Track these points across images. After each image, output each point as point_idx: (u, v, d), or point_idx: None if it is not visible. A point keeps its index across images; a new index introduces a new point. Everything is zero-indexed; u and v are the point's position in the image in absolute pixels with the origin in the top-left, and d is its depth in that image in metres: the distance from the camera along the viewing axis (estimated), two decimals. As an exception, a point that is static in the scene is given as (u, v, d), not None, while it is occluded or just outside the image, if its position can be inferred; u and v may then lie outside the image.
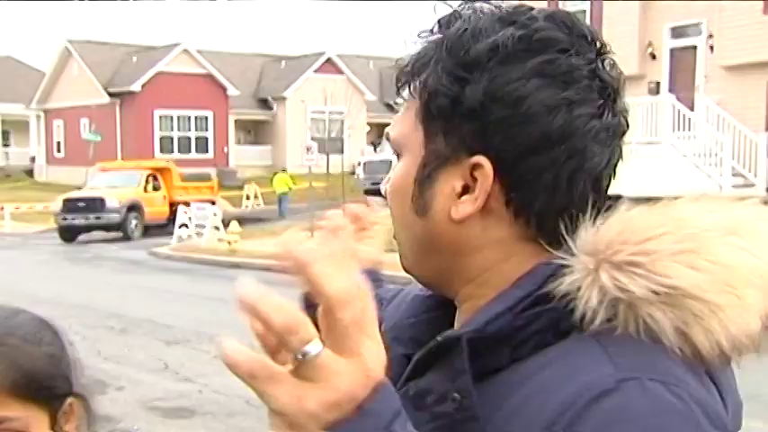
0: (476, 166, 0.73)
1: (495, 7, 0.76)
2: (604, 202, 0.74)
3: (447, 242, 0.76)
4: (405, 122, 0.78)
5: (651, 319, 0.66)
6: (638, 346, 0.66)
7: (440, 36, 0.76)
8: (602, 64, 0.75)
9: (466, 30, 0.74)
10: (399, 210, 0.79)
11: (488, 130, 0.72)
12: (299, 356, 0.55)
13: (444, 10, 0.79)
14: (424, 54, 0.76)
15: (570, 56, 0.72)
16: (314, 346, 0.54)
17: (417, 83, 0.76)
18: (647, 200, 0.75)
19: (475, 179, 0.73)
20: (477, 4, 0.77)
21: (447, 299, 0.85)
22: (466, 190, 0.74)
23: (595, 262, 0.69)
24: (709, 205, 0.73)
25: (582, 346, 0.67)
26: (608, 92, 0.74)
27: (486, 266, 0.76)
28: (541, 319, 0.70)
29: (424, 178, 0.76)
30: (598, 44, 0.76)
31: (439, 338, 0.71)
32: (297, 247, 0.59)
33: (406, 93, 0.78)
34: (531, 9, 0.76)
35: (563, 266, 0.70)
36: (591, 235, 0.71)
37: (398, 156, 0.80)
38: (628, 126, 0.77)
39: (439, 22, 0.78)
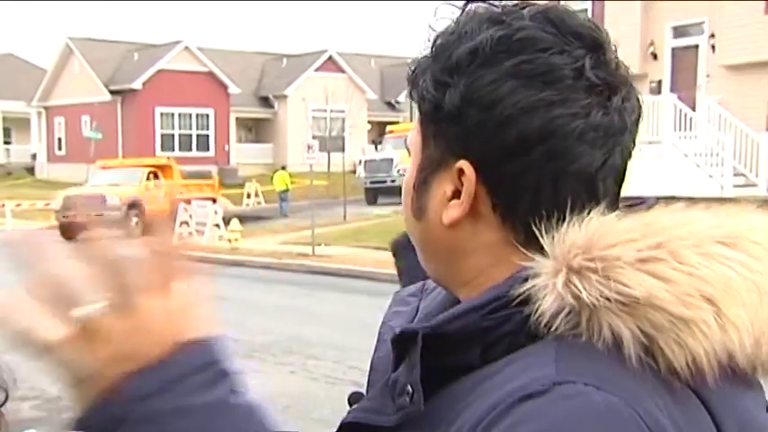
0: (460, 171, 0.73)
1: (494, 7, 0.75)
2: (600, 205, 0.71)
3: (441, 246, 0.78)
4: (414, 127, 0.80)
5: (611, 328, 0.64)
6: (593, 353, 0.64)
7: (436, 39, 0.78)
8: (595, 61, 0.72)
9: (452, 33, 0.74)
10: (405, 212, 0.81)
11: (468, 135, 0.72)
12: (78, 318, 0.60)
13: (446, 11, 0.78)
14: (423, 59, 0.78)
15: (552, 54, 0.70)
16: (86, 308, 0.60)
17: (416, 89, 0.78)
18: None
19: (462, 183, 0.73)
20: (475, 5, 0.76)
21: None
22: (456, 194, 0.74)
23: (556, 266, 0.67)
24: (697, 214, 0.70)
25: (539, 348, 0.66)
26: (599, 90, 0.71)
27: (478, 270, 0.76)
28: (512, 322, 0.68)
29: (421, 183, 0.77)
30: (591, 41, 0.73)
31: (397, 331, 0.73)
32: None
33: (414, 97, 0.80)
34: (525, 8, 0.74)
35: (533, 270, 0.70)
36: (564, 239, 0.68)
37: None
38: (629, 124, 0.74)
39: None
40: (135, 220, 21.40)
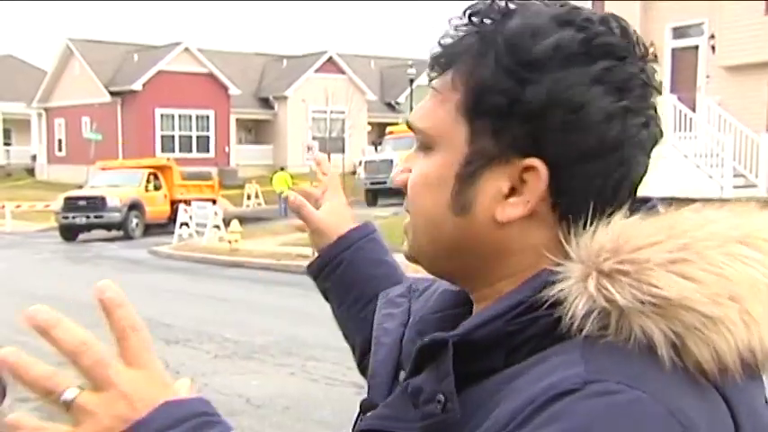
0: (528, 169, 0.72)
1: (544, 4, 0.75)
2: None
3: (483, 243, 0.74)
4: (439, 115, 0.75)
5: (642, 329, 0.65)
6: (620, 352, 0.65)
7: (488, 28, 0.74)
8: (650, 71, 0.76)
9: (525, 26, 0.72)
10: (429, 204, 0.76)
11: (546, 134, 0.71)
12: (63, 403, 0.65)
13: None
14: (465, 44, 0.74)
15: (627, 63, 0.73)
16: (70, 393, 0.65)
17: (458, 75, 0.74)
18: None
19: (523, 181, 0.72)
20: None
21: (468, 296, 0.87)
22: (512, 192, 0.73)
23: (585, 269, 0.68)
24: (714, 215, 0.72)
25: (566, 349, 0.67)
26: (655, 100, 0.75)
27: (517, 270, 0.74)
28: (537, 325, 0.69)
29: (468, 176, 0.73)
30: (644, 51, 0.76)
31: (426, 339, 0.72)
32: (106, 290, 0.74)
33: (438, 82, 0.76)
34: (582, 9, 0.75)
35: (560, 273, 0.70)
36: (587, 242, 0.70)
37: (426, 147, 0.76)
38: (662, 134, 0.77)
39: (478, 12, 0.75)
40: (135, 221, 21.43)
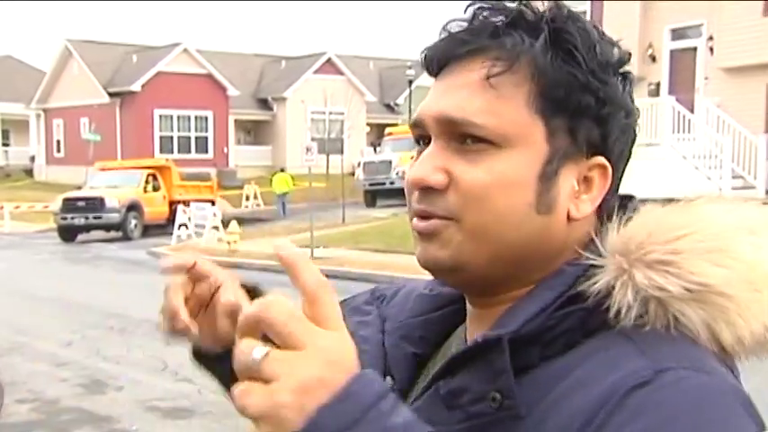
0: (596, 167, 0.75)
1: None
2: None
3: (554, 241, 0.75)
4: (506, 111, 0.73)
5: (682, 315, 0.68)
6: (669, 339, 0.68)
7: (559, 28, 0.75)
8: None
9: (593, 30, 0.77)
10: (506, 205, 0.73)
11: (611, 134, 0.76)
12: (253, 364, 0.59)
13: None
14: (529, 42, 0.74)
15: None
16: (259, 351, 0.59)
17: (527, 72, 0.74)
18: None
19: (587, 178, 0.75)
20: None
21: (453, 297, 0.86)
22: (581, 189, 0.76)
23: (628, 262, 0.70)
24: (727, 206, 0.75)
25: (614, 342, 0.69)
26: None
27: (556, 266, 0.76)
28: (571, 319, 0.71)
29: (551, 175, 0.74)
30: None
31: (479, 339, 0.71)
32: (286, 249, 0.64)
33: (502, 79, 0.73)
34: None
35: (593, 266, 0.72)
36: (619, 236, 0.73)
37: (489, 145, 0.73)
38: None
39: (540, 13, 0.76)
40: (134, 222, 21.43)
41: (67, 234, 20.91)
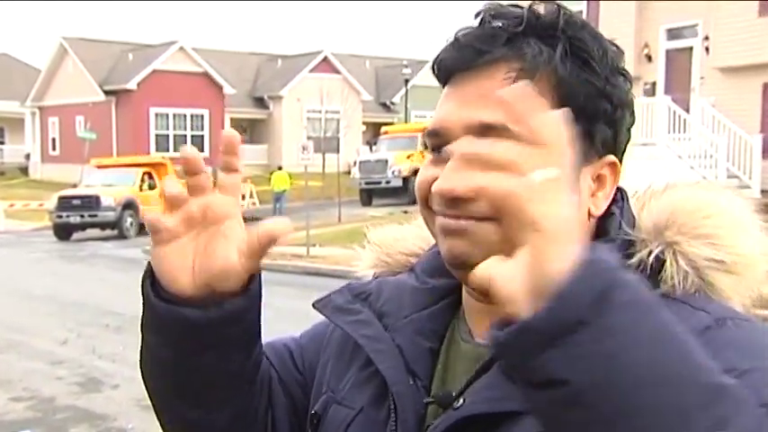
0: (607, 165, 0.80)
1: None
2: None
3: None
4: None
5: (716, 281, 0.77)
6: (710, 300, 0.77)
7: (573, 36, 0.77)
8: None
9: (601, 36, 0.80)
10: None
11: (620, 133, 0.80)
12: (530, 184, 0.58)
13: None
14: (547, 52, 0.76)
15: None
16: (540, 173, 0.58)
17: (548, 81, 0.75)
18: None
19: (600, 176, 0.79)
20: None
21: (449, 288, 0.87)
22: (596, 187, 0.80)
23: (670, 235, 0.78)
24: (714, 190, 0.83)
25: (669, 304, 0.72)
26: None
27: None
28: None
29: (573, 180, 0.77)
30: None
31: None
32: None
33: (522, 86, 0.72)
34: None
35: (628, 242, 0.79)
36: (648, 216, 0.80)
37: None
38: None
39: (553, 22, 0.77)
40: (130, 220, 21.40)
41: (63, 232, 20.87)
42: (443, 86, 0.80)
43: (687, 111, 15.91)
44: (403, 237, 0.95)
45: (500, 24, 0.77)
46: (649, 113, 15.60)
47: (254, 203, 28.13)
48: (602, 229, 0.81)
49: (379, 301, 0.89)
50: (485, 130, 0.74)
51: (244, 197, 28.34)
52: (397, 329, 0.86)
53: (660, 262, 0.77)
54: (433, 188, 0.76)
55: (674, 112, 15.59)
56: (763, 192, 15.01)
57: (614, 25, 18.20)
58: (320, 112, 29.35)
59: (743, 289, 0.78)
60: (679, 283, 0.76)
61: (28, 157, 38.56)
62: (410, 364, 0.83)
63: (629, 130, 0.82)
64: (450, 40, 0.79)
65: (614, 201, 0.82)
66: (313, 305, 0.93)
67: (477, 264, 0.73)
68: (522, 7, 0.79)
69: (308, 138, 24.47)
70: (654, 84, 17.86)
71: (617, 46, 0.81)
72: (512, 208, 0.70)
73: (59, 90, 35.71)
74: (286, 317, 10.37)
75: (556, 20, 0.77)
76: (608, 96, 0.77)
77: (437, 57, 0.80)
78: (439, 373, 0.84)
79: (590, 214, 0.79)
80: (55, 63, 36.19)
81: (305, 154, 16.05)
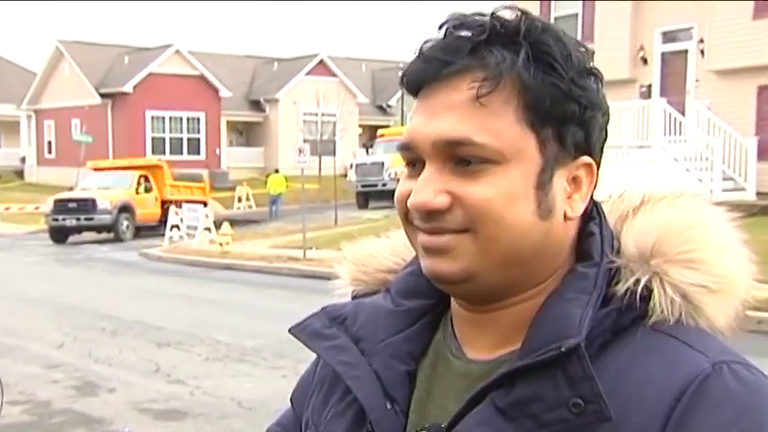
0: (582, 166, 0.79)
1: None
2: None
3: (557, 242, 0.79)
4: (499, 127, 0.75)
5: (706, 306, 0.77)
6: (704, 334, 0.77)
7: (536, 41, 0.76)
8: None
9: (565, 38, 0.79)
10: (516, 217, 0.76)
11: (593, 134, 0.79)
12: None
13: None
14: (510, 58, 0.76)
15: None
16: None
17: (513, 87, 0.75)
18: None
19: (575, 178, 0.79)
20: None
21: (424, 309, 0.86)
22: (572, 189, 0.80)
23: (656, 264, 0.77)
24: (702, 203, 0.83)
25: (661, 340, 0.75)
26: None
27: (556, 267, 0.80)
28: (608, 319, 0.76)
29: (546, 182, 0.77)
30: None
31: (563, 348, 0.73)
32: None
33: (490, 97, 0.75)
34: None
35: (611, 268, 0.78)
36: (632, 238, 0.79)
37: (488, 162, 0.75)
38: None
39: (515, 28, 0.77)
40: (126, 223, 21.37)
41: (59, 235, 20.83)
42: (415, 99, 0.80)
43: (683, 113, 15.93)
44: (378, 253, 0.93)
45: (464, 34, 0.77)
46: (645, 116, 15.63)
47: (250, 206, 28.10)
48: (583, 250, 0.80)
49: (355, 325, 0.88)
50: (452, 144, 0.75)
51: (240, 200, 28.32)
52: (374, 354, 0.84)
53: (647, 290, 0.76)
54: (409, 203, 0.78)
55: (670, 115, 15.62)
56: (758, 194, 15.05)
57: (610, 28, 18.25)
58: (316, 114, 29.35)
59: (727, 308, 0.78)
60: (667, 309, 0.76)
61: (24, 160, 38.49)
62: (387, 389, 0.82)
63: (603, 129, 0.80)
64: (415, 52, 0.79)
65: (591, 218, 0.81)
66: (289, 330, 0.92)
67: (460, 277, 0.77)
68: (485, 14, 0.78)
69: (305, 141, 24.49)
70: (649, 86, 17.89)
71: (585, 47, 0.80)
72: (487, 217, 0.74)
73: (55, 93, 35.66)
74: (281, 319, 10.36)
75: (518, 25, 0.77)
76: (575, 98, 0.76)
77: (404, 70, 0.80)
78: (420, 395, 0.83)
79: (566, 217, 0.78)
80: (51, 66, 36.14)
81: (301, 157, 16.04)
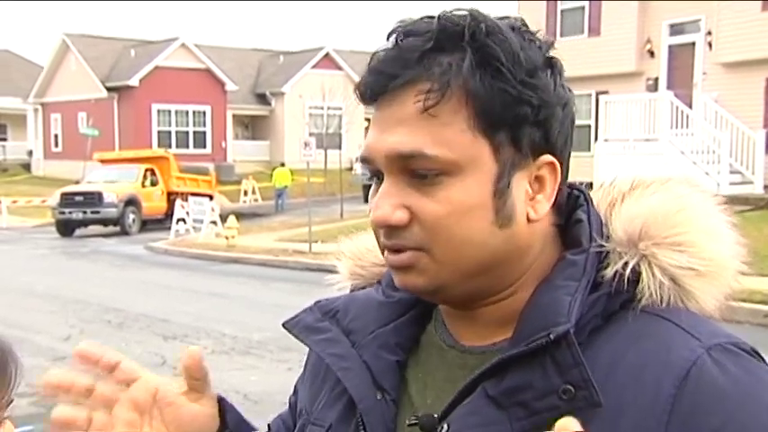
0: (544, 165, 0.78)
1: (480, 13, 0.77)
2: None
3: (521, 245, 0.78)
4: (450, 137, 0.74)
5: (694, 288, 0.77)
6: (695, 315, 0.77)
7: (480, 45, 0.74)
8: None
9: (511, 39, 0.75)
10: (471, 228, 0.75)
11: (552, 131, 0.77)
12: None
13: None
14: (456, 65, 0.74)
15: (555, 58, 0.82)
16: None
17: (461, 95, 0.74)
18: None
19: (538, 177, 0.78)
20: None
21: (414, 301, 0.86)
22: (534, 190, 0.78)
23: (649, 245, 0.77)
24: (686, 187, 0.83)
25: (653, 323, 0.75)
26: None
27: (532, 262, 0.79)
28: (598, 304, 0.76)
29: (504, 190, 0.75)
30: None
31: (552, 336, 0.73)
32: None
33: (438, 107, 0.74)
34: (509, 16, 0.79)
35: (600, 253, 0.78)
36: (620, 223, 0.79)
37: (442, 174, 0.74)
38: None
39: (457, 33, 0.75)
40: (132, 217, 21.42)
41: (65, 229, 20.88)
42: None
43: (690, 106, 15.87)
44: (374, 246, 0.90)
45: (410, 43, 0.75)
46: (652, 109, 15.57)
47: (255, 200, 28.13)
48: (571, 237, 0.80)
49: (346, 318, 0.88)
50: (404, 158, 0.74)
51: (246, 193, 28.35)
52: (364, 345, 0.85)
53: (636, 273, 0.76)
54: (370, 219, 0.78)
55: (677, 108, 15.56)
56: (766, 187, 14.99)
57: (616, 21, 18.18)
58: (322, 108, 29.34)
59: (716, 291, 0.78)
60: (656, 293, 0.76)
61: (30, 153, 38.59)
62: (377, 379, 0.83)
63: (566, 122, 0.78)
64: (368, 63, 0.78)
65: (579, 205, 0.81)
66: (283, 325, 0.93)
67: (429, 290, 0.78)
68: (434, 18, 0.76)
69: (310, 134, 24.48)
70: (656, 79, 17.82)
71: (538, 39, 0.78)
72: (439, 236, 0.75)
73: (62, 86, 35.72)
74: (287, 312, 10.37)
75: (462, 31, 0.74)
76: (526, 100, 0.74)
77: (356, 84, 0.79)
78: (417, 386, 0.83)
79: (529, 219, 0.77)
80: (57, 59, 36.19)
81: (307, 150, 16.03)
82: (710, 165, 15.07)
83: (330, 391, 0.88)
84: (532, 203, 0.77)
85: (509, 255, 0.77)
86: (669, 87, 17.08)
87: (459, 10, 0.77)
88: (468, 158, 0.74)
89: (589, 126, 18.57)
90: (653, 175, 0.83)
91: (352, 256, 0.98)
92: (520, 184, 0.76)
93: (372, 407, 0.82)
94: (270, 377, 6.73)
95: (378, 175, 0.78)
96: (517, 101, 0.74)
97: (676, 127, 15.50)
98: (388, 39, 0.78)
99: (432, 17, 0.77)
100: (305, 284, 11.33)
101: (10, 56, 42.93)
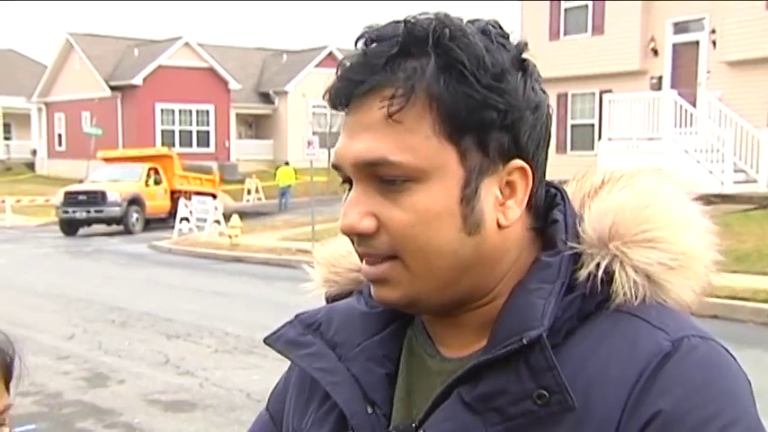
0: (515, 170, 0.76)
1: (448, 17, 0.76)
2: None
3: (494, 251, 0.77)
4: (415, 144, 0.73)
5: (668, 283, 0.76)
6: (665, 310, 0.76)
7: (445, 50, 0.73)
8: None
9: (475, 43, 0.74)
10: (439, 236, 0.74)
11: (521, 135, 0.75)
12: None
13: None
14: (420, 70, 0.73)
15: (529, 60, 0.80)
16: None
17: (425, 100, 0.73)
18: None
19: (509, 183, 0.76)
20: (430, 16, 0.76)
21: (397, 311, 0.85)
22: (504, 195, 0.77)
23: (621, 244, 0.76)
24: (656, 179, 0.82)
25: (623, 320, 0.75)
26: None
27: (508, 267, 0.78)
28: (573, 306, 0.75)
29: (471, 196, 0.74)
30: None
31: (524, 341, 0.72)
32: None
33: (403, 113, 0.73)
34: (478, 20, 0.78)
35: (575, 255, 0.77)
36: (590, 223, 0.78)
37: (408, 181, 0.73)
38: None
39: (422, 38, 0.74)
40: (135, 216, 21.45)
41: (69, 228, 20.92)
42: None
43: (694, 105, 15.84)
44: (348, 252, 0.89)
45: (377, 48, 0.74)
46: (656, 108, 15.55)
47: (259, 199, 28.14)
48: (547, 238, 0.79)
49: (330, 331, 0.87)
50: (370, 165, 0.74)
51: (249, 192, 28.37)
52: (351, 359, 0.84)
53: (609, 274, 0.75)
54: (339, 225, 0.77)
55: (681, 107, 15.53)
56: (769, 186, 14.96)
57: (620, 19, 18.15)
58: (325, 107, 29.28)
59: (692, 283, 0.77)
60: (630, 291, 0.75)
61: (34, 152, 38.66)
62: (368, 393, 0.82)
63: (537, 126, 0.76)
64: (335, 69, 0.78)
65: (555, 205, 0.80)
66: (264, 340, 0.91)
67: (404, 303, 0.77)
68: (401, 22, 0.75)
69: (314, 133, 24.49)
70: (660, 78, 17.79)
71: (508, 41, 0.76)
72: (410, 244, 0.74)
73: (65, 86, 35.77)
74: (290, 311, 10.38)
75: (427, 36, 0.73)
76: (492, 105, 0.73)
77: (325, 89, 0.79)
78: (402, 397, 0.82)
79: (499, 225, 0.76)
80: (61, 59, 36.25)
81: (310, 149, 16.03)
82: (714, 163, 15.04)
83: (318, 408, 0.86)
84: (503, 209, 0.76)
85: (481, 261, 0.76)
86: (673, 86, 17.05)
87: (425, 13, 0.76)
88: (434, 165, 0.73)
89: (593, 125, 18.56)
90: (622, 169, 0.82)
91: (325, 263, 0.96)
92: (489, 190, 0.75)
93: (364, 422, 0.80)
94: (273, 376, 6.69)
95: (349, 182, 0.77)
96: (482, 105, 0.73)
97: (680, 126, 15.47)
98: (356, 44, 0.77)
99: (399, 21, 0.75)
100: (307, 283, 11.31)
101: (14, 55, 43.00)
